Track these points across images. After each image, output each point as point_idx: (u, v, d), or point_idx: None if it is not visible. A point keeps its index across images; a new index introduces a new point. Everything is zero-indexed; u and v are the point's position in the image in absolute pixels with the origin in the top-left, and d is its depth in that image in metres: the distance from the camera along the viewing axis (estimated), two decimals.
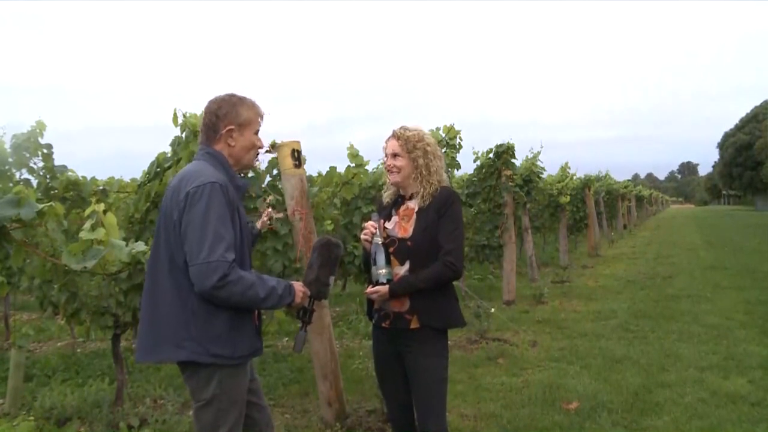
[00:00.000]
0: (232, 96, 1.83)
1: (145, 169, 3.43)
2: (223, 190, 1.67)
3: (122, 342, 3.48)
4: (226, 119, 1.78)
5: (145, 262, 2.42)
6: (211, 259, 1.59)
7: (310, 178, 3.86)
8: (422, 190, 2.16)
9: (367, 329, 5.23)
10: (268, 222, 2.27)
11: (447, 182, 2.24)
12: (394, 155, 2.18)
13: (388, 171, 2.21)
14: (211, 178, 1.67)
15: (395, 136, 2.19)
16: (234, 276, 1.62)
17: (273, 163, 3.48)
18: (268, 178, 3.49)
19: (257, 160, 1.94)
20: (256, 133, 1.85)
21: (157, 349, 1.68)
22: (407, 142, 2.16)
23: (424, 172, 2.16)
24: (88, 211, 2.47)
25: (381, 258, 2.10)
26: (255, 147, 1.85)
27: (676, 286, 7.46)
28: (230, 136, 1.79)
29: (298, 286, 1.83)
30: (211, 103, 1.82)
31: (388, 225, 2.22)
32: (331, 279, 1.94)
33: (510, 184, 6.48)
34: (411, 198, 2.21)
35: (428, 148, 2.18)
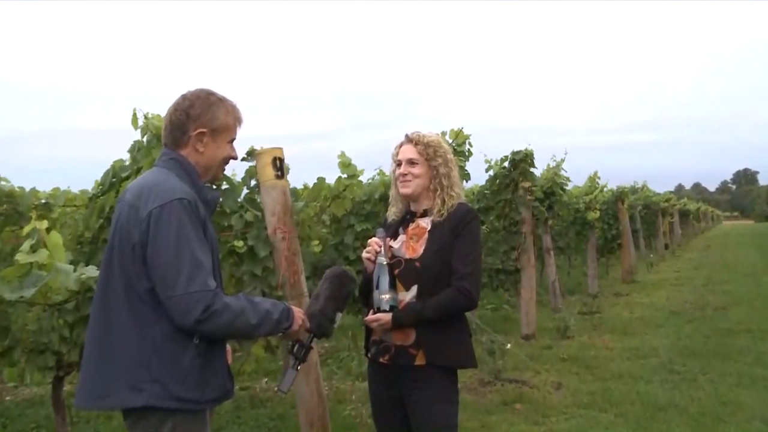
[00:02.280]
0: (209, 94, 1.82)
1: (98, 179, 3.45)
2: (192, 206, 1.68)
3: (65, 386, 3.45)
4: (198, 120, 1.78)
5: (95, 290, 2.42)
6: (191, 289, 1.60)
7: (294, 191, 3.91)
8: (440, 204, 2.20)
9: (361, 369, 5.23)
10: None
11: (464, 199, 2.30)
12: (411, 162, 2.22)
13: (401, 181, 2.25)
14: (176, 193, 1.67)
15: (411, 140, 2.24)
16: (219, 305, 1.63)
17: (251, 173, 3.53)
18: (244, 191, 3.55)
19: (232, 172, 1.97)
20: (231, 142, 1.86)
21: (108, 393, 1.65)
22: (427, 148, 2.21)
23: (445, 183, 2.21)
24: (26, 229, 2.49)
25: (384, 281, 2.13)
26: (227, 158, 1.86)
27: (731, 319, 7.40)
28: (200, 140, 1.79)
29: (298, 312, 1.85)
30: (183, 98, 1.81)
31: (394, 244, 2.26)
32: (338, 316, 1.96)
33: (528, 197, 6.55)
34: (423, 215, 2.25)
35: (449, 156, 2.26)
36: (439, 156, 2.21)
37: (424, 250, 2.16)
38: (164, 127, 1.84)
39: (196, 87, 1.85)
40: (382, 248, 2.19)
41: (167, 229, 1.63)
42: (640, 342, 6.32)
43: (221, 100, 1.83)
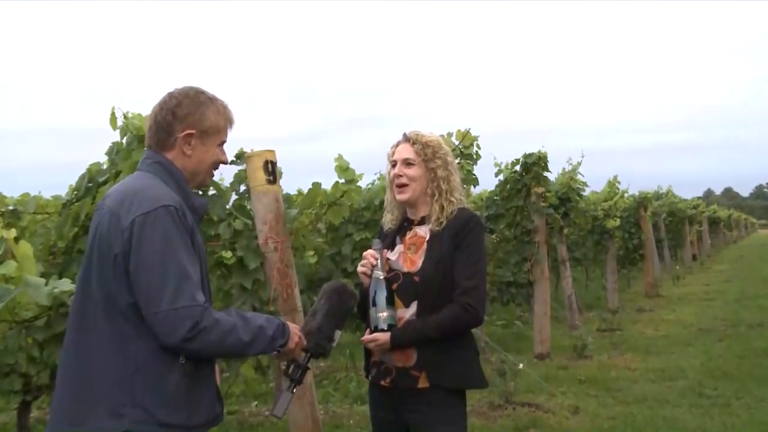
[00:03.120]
0: (198, 93, 1.83)
1: (73, 183, 3.47)
2: (179, 214, 1.67)
3: (33, 412, 3.42)
4: (186, 121, 1.78)
5: (70, 304, 2.35)
6: (178, 305, 1.60)
7: (287, 197, 3.92)
8: (438, 211, 2.20)
9: (360, 391, 5.23)
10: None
11: (464, 202, 2.29)
12: (407, 163, 2.22)
13: (396, 185, 2.25)
14: (162, 200, 1.67)
15: (409, 139, 2.25)
16: (208, 321, 1.63)
17: (240, 178, 3.55)
18: (233, 197, 3.56)
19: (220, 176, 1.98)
20: (221, 145, 1.87)
21: (84, 419, 1.64)
22: (425, 148, 2.21)
23: (444, 187, 2.20)
24: None
25: (382, 297, 2.14)
26: (217, 163, 1.87)
27: None
28: (188, 143, 1.79)
29: (294, 328, 1.85)
30: (170, 96, 1.81)
31: (391, 256, 2.26)
32: (337, 334, 1.97)
33: (542, 203, 6.57)
34: (421, 223, 2.25)
35: (449, 158, 2.26)
36: (438, 157, 2.21)
37: (423, 262, 2.16)
38: (148, 128, 1.84)
39: (184, 85, 1.85)
40: (379, 261, 2.19)
41: (152, 238, 1.63)
42: (666, 362, 6.31)
43: (211, 100, 1.84)
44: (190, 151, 1.80)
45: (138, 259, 1.64)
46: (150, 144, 1.84)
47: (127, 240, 1.65)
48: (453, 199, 2.20)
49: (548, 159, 6.62)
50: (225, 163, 1.90)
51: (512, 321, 8.65)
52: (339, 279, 2.12)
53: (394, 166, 2.26)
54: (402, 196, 2.24)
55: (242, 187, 3.55)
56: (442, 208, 2.19)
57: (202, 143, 1.81)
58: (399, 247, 2.26)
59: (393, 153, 2.29)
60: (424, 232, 2.23)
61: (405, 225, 2.31)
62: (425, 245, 2.19)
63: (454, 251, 2.15)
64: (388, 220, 2.35)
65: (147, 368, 1.65)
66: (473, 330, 2.26)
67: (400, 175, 2.23)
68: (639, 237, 11.56)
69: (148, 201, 1.67)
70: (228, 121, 1.87)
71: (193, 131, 1.79)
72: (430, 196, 2.22)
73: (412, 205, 2.27)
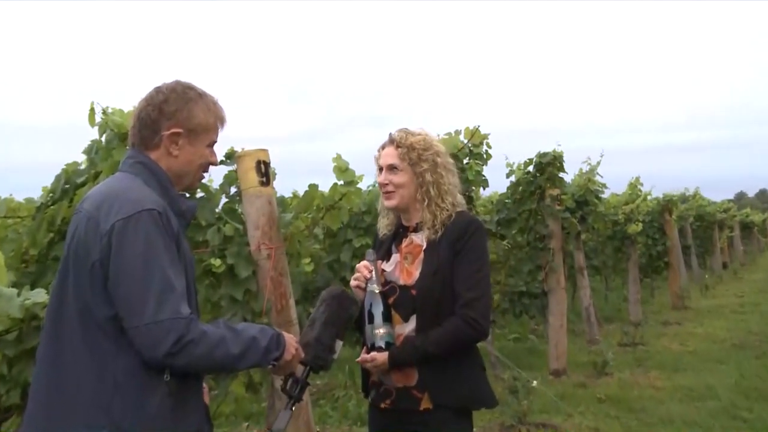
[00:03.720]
0: (187, 88, 1.83)
1: (48, 185, 3.47)
2: (163, 219, 1.68)
3: None
4: (173, 118, 1.79)
5: (43, 317, 2.34)
6: (161, 317, 1.60)
7: (281, 200, 3.93)
8: (430, 218, 2.20)
9: (360, 410, 5.22)
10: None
11: (463, 205, 2.29)
12: (392, 168, 2.22)
13: (382, 191, 2.26)
14: (145, 203, 1.68)
15: (393, 141, 2.24)
16: (194, 334, 1.63)
17: (230, 179, 3.56)
18: (223, 200, 3.57)
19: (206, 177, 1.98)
20: (211, 145, 1.87)
21: None
22: (410, 151, 2.21)
23: (432, 193, 2.20)
24: None
25: (378, 313, 2.14)
26: (206, 164, 1.87)
27: None
28: (174, 142, 1.79)
29: (291, 339, 1.85)
30: (156, 92, 1.82)
31: (387, 267, 2.26)
32: (338, 345, 1.97)
33: (557, 207, 6.56)
34: (416, 229, 2.26)
35: (438, 159, 2.23)
36: (425, 160, 2.20)
37: (421, 273, 2.16)
38: (132, 125, 1.84)
39: (173, 79, 1.86)
40: (374, 273, 2.19)
41: (133, 245, 1.63)
42: (695, 380, 6.28)
43: (201, 96, 1.84)
44: (176, 151, 1.81)
45: (118, 267, 1.64)
46: (133, 142, 1.84)
47: (106, 246, 1.65)
48: (444, 204, 2.19)
49: (564, 159, 6.60)
50: (214, 164, 1.91)
51: (525, 335, 8.65)
52: (343, 287, 2.11)
53: (381, 170, 2.27)
54: (389, 203, 2.25)
55: (233, 189, 3.56)
56: (434, 215, 2.19)
57: (189, 143, 1.82)
58: (395, 257, 2.26)
59: (379, 156, 2.29)
60: (420, 239, 2.23)
61: (400, 232, 2.31)
62: (422, 254, 2.19)
63: (454, 259, 2.15)
64: (383, 225, 2.35)
65: (127, 386, 1.65)
66: (482, 344, 2.26)
67: (386, 183, 2.23)
68: (664, 243, 11.53)
69: (129, 204, 1.67)
70: (219, 120, 1.88)
71: (180, 130, 1.79)
72: (420, 201, 2.22)
73: (402, 211, 2.28)
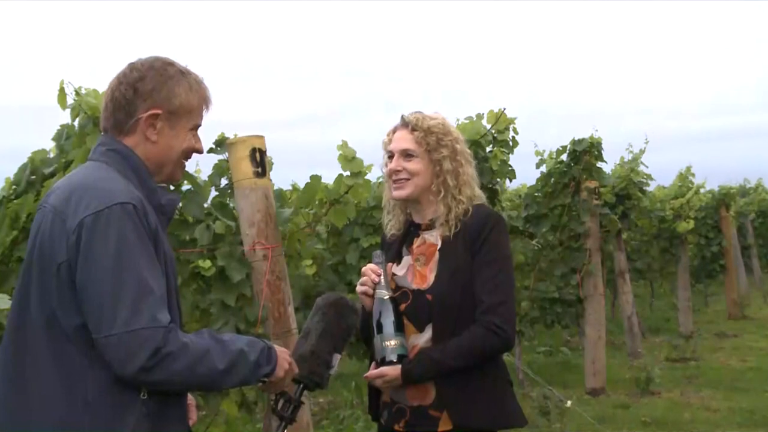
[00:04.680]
0: (166, 64, 1.82)
1: (10, 176, 3.48)
2: (139, 214, 1.67)
3: None
4: (150, 98, 1.78)
5: (4, 325, 2.35)
6: (135, 326, 1.59)
7: (280, 194, 3.93)
8: (444, 212, 2.20)
9: None
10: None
11: (482, 198, 2.30)
12: (407, 154, 2.23)
13: (392, 180, 2.26)
14: (119, 195, 1.67)
15: (408, 124, 2.25)
16: (174, 346, 1.62)
17: (221, 170, 3.57)
18: (212, 193, 3.59)
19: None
20: (195, 129, 1.87)
21: None
22: (428, 135, 2.21)
23: (450, 183, 2.20)
24: None
25: (388, 322, 2.15)
26: (189, 151, 1.87)
27: None
28: (152, 126, 1.79)
29: (283, 353, 1.85)
30: (131, 69, 1.81)
31: (397, 270, 2.27)
32: (336, 359, 1.97)
33: (595, 201, 6.53)
34: (430, 227, 2.26)
35: (458, 146, 2.25)
36: (444, 146, 2.21)
37: (437, 276, 2.17)
38: (104, 107, 1.83)
39: (150, 55, 1.85)
40: (382, 277, 2.19)
41: (104, 243, 1.63)
42: (756, 402, 6.21)
43: (182, 73, 1.83)
44: (155, 136, 1.80)
45: (87, 269, 1.63)
46: (105, 127, 1.84)
47: (74, 246, 1.64)
48: (462, 197, 2.20)
49: (603, 146, 6.58)
50: (199, 151, 1.91)
51: (558, 347, 8.62)
52: (341, 293, 2.12)
53: (391, 157, 2.27)
54: (400, 192, 2.24)
55: (224, 181, 3.57)
56: (449, 208, 2.20)
57: (170, 127, 1.81)
58: (406, 259, 2.27)
59: (389, 141, 2.29)
60: (434, 238, 2.23)
61: (411, 231, 2.31)
62: (437, 255, 2.20)
63: (472, 260, 2.15)
64: (390, 225, 2.35)
65: (99, 406, 1.65)
66: (508, 359, 2.26)
67: (398, 170, 2.23)
68: (719, 243, 11.42)
69: (100, 197, 1.66)
70: (203, 101, 1.87)
71: (159, 111, 1.79)
72: (434, 194, 2.22)
73: (415, 205, 2.28)
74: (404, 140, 2.24)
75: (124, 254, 1.63)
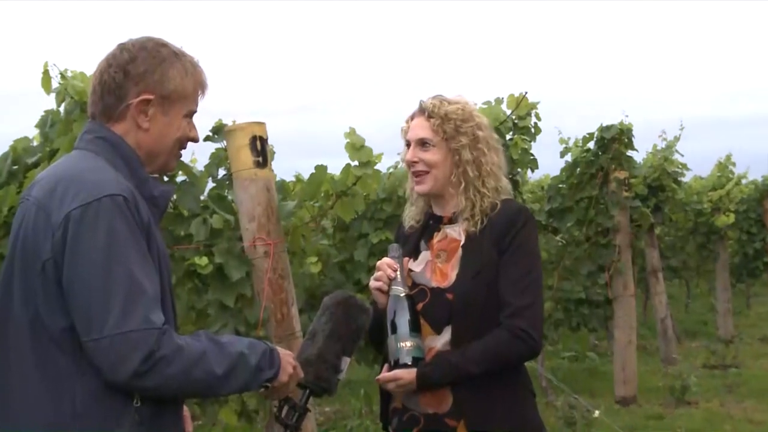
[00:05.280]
0: (159, 45, 1.83)
1: None
2: (129, 206, 1.67)
3: None
4: (142, 82, 1.79)
5: None
6: (127, 327, 1.60)
7: (282, 185, 3.94)
8: (468, 206, 2.21)
9: None
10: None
11: (509, 190, 2.30)
12: (423, 143, 2.23)
13: (411, 172, 2.28)
14: (108, 187, 1.67)
15: (425, 111, 2.25)
16: (168, 349, 1.63)
17: (219, 159, 3.58)
18: (209, 185, 3.60)
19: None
20: (190, 116, 1.88)
21: None
22: (445, 122, 2.21)
23: (471, 174, 2.21)
24: None
25: (404, 322, 2.15)
26: (184, 140, 1.88)
27: None
28: (144, 112, 1.80)
29: (287, 356, 1.86)
30: (121, 50, 1.81)
31: (415, 266, 2.27)
32: (344, 362, 1.98)
33: (625, 193, 6.51)
34: (453, 221, 2.27)
35: (480, 133, 2.24)
36: (464, 133, 2.21)
37: (459, 274, 2.17)
38: (92, 91, 1.84)
39: (141, 35, 1.85)
40: (399, 273, 2.20)
41: (93, 238, 1.63)
42: None
43: (176, 55, 1.84)
44: (146, 123, 1.81)
45: (74, 267, 1.64)
46: (93, 113, 1.85)
47: (60, 242, 1.65)
48: (485, 190, 2.20)
49: (633, 133, 6.55)
50: (194, 140, 1.91)
51: (584, 352, 8.61)
52: (350, 292, 2.13)
53: (409, 146, 2.28)
54: (420, 188, 2.26)
55: (221, 172, 3.58)
56: (472, 202, 2.20)
57: (163, 113, 1.82)
58: (425, 255, 2.27)
59: (407, 129, 2.30)
60: (457, 233, 2.24)
61: (431, 224, 2.31)
62: (460, 251, 2.20)
63: (499, 258, 2.15)
64: (411, 215, 2.36)
65: (89, 414, 1.66)
66: (530, 365, 2.26)
67: (415, 161, 2.24)
68: (763, 239, 11.28)
69: (87, 189, 1.67)
70: (199, 85, 1.88)
71: (151, 96, 1.79)
72: (455, 185, 2.23)
73: (435, 199, 2.29)
74: (421, 128, 2.24)
75: (114, 251, 1.63)
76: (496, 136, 2.32)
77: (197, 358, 1.68)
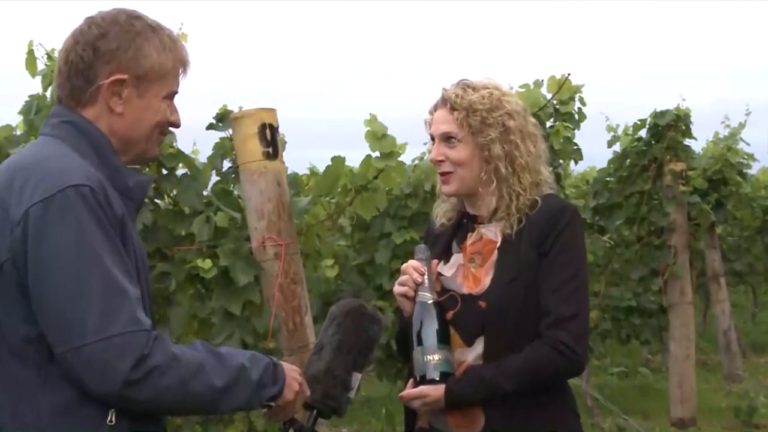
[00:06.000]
0: (132, 18, 1.81)
1: None
2: (98, 198, 1.65)
3: None
4: (114, 60, 1.77)
5: None
6: (110, 331, 1.58)
7: (294, 179, 3.94)
8: (503, 205, 2.19)
9: None
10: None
11: (551, 183, 2.29)
12: (448, 139, 2.22)
13: (438, 172, 2.27)
14: (71, 176, 1.65)
15: (448, 101, 2.23)
16: (162, 358, 1.62)
17: (224, 150, 3.58)
18: (213, 179, 3.60)
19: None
20: (171, 98, 1.87)
21: None
22: (471, 114, 2.19)
23: (503, 171, 2.18)
24: None
25: (431, 332, 2.14)
26: (163, 125, 1.87)
27: None
28: (116, 94, 1.78)
29: (292, 372, 1.85)
30: (89, 24, 1.80)
31: (445, 270, 2.27)
32: (355, 379, 1.97)
33: (682, 188, 6.46)
34: (489, 220, 2.25)
35: (512, 123, 2.20)
36: (491, 125, 2.17)
37: (493, 279, 2.16)
38: (58, 72, 1.83)
39: (112, 7, 1.84)
40: (426, 277, 2.19)
41: (58, 236, 1.61)
42: None
43: (153, 29, 1.82)
44: (120, 106, 1.79)
45: (39, 270, 1.62)
46: (60, 96, 1.83)
47: (20, 241, 1.62)
48: (520, 188, 2.18)
49: (692, 119, 6.48)
50: (176, 125, 1.91)
51: (635, 368, 8.56)
52: (359, 300, 2.12)
53: (434, 140, 2.27)
54: (447, 189, 2.26)
55: (227, 164, 3.58)
56: (507, 200, 2.18)
57: (138, 94, 1.80)
58: (457, 257, 2.26)
59: (431, 120, 2.29)
60: (493, 234, 2.22)
61: (464, 223, 2.30)
62: (495, 254, 2.19)
63: (539, 262, 2.14)
64: (441, 212, 2.35)
65: None
66: (572, 381, 2.25)
67: (440, 160, 2.23)
68: None
69: (49, 179, 1.64)
70: (179, 62, 1.86)
71: (124, 76, 1.78)
72: (486, 184, 2.21)
73: (469, 197, 2.28)
74: (444, 122, 2.22)
75: (84, 248, 1.61)
76: (533, 120, 2.29)
77: (195, 370, 1.66)
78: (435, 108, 2.27)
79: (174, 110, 1.88)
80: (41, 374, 1.64)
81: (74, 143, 1.76)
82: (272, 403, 1.80)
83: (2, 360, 1.67)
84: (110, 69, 1.77)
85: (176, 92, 1.88)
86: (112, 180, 1.75)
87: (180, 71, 1.87)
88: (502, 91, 2.26)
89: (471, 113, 2.18)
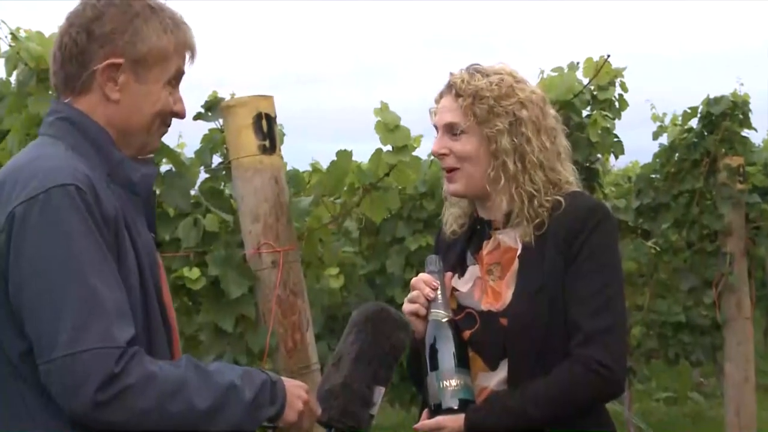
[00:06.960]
0: None
1: None
2: (86, 198, 1.69)
3: None
4: (109, 43, 1.82)
5: None
6: (80, 346, 1.62)
7: (294, 176, 3.96)
8: (519, 206, 2.19)
9: None
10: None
11: (573, 182, 2.27)
12: (452, 130, 2.23)
13: (441, 168, 2.29)
14: (58, 176, 1.70)
15: (453, 87, 2.25)
16: (136, 376, 1.65)
17: (214, 143, 3.60)
18: (202, 176, 3.62)
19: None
20: (174, 84, 1.91)
21: None
22: (477, 101, 2.19)
23: (512, 168, 2.18)
24: None
25: (447, 355, 2.15)
26: (166, 114, 1.91)
27: None
28: (112, 79, 1.83)
29: (295, 388, 1.87)
30: (84, 6, 1.86)
31: (461, 284, 2.27)
32: (378, 394, 1.98)
33: (739, 186, 6.44)
34: (504, 225, 2.25)
35: (523, 113, 2.20)
36: (500, 114, 2.18)
37: (515, 293, 2.16)
38: (52, 59, 1.88)
39: None
40: (439, 293, 2.20)
41: (38, 239, 1.66)
42: None
43: (153, 10, 1.87)
44: (116, 93, 1.84)
45: (19, 276, 1.67)
46: (55, 85, 1.89)
47: (4, 246, 1.68)
48: (532, 187, 2.17)
49: (751, 106, 6.45)
50: (180, 115, 1.95)
51: (685, 392, 8.55)
52: (383, 303, 2.12)
53: (437, 133, 2.29)
54: (451, 188, 2.26)
55: (217, 159, 3.60)
56: (522, 201, 2.18)
57: (136, 80, 1.85)
58: (473, 270, 2.27)
59: (435, 110, 2.30)
60: (512, 240, 2.22)
61: (479, 229, 2.31)
62: (516, 263, 2.19)
63: (566, 270, 2.14)
64: (452, 217, 2.35)
65: None
66: (611, 407, 2.25)
67: (443, 153, 2.24)
68: None
69: (35, 180, 1.70)
70: (182, 45, 1.90)
71: (120, 60, 1.82)
72: (493, 182, 2.21)
73: (478, 199, 2.28)
74: (448, 111, 2.24)
75: (64, 253, 1.66)
76: (553, 113, 2.29)
77: (174, 389, 1.69)
78: (440, 96, 2.29)
79: (178, 99, 1.93)
80: (45, 393, 1.68)
81: (71, 141, 1.81)
82: (271, 425, 1.83)
83: (3, 376, 1.72)
84: (104, 53, 1.82)
85: (180, 77, 1.92)
86: (114, 176, 1.81)
87: (185, 56, 1.91)
88: (516, 77, 2.26)
89: (477, 100, 2.19)
